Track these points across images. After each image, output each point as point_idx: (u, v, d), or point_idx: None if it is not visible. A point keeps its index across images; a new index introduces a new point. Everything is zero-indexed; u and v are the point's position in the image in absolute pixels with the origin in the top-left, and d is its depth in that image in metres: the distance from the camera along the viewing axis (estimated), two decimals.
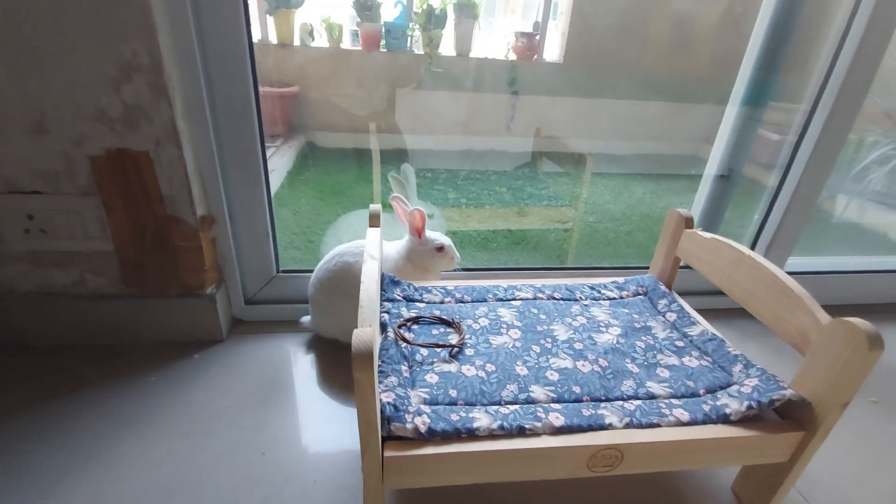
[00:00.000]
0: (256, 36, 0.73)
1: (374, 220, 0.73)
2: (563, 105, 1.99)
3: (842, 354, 0.48)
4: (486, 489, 0.61)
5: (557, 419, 0.50)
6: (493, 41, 1.89)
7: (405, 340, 0.60)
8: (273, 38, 1.69)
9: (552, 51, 1.93)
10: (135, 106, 0.66)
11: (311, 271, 0.84)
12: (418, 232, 0.78)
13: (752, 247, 1.08)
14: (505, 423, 0.49)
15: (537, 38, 1.89)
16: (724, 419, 0.52)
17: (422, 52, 1.74)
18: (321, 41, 1.76)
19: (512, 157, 1.98)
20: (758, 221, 1.07)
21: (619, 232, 1.59)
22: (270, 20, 1.62)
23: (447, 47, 1.75)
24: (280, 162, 1.63)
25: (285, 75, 1.72)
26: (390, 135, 1.82)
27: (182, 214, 0.74)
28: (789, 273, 1.12)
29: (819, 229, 1.53)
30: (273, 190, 0.85)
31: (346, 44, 1.76)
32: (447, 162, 1.92)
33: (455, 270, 0.85)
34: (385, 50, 1.73)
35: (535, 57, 1.91)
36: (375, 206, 0.74)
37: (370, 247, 0.66)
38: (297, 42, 1.71)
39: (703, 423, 0.52)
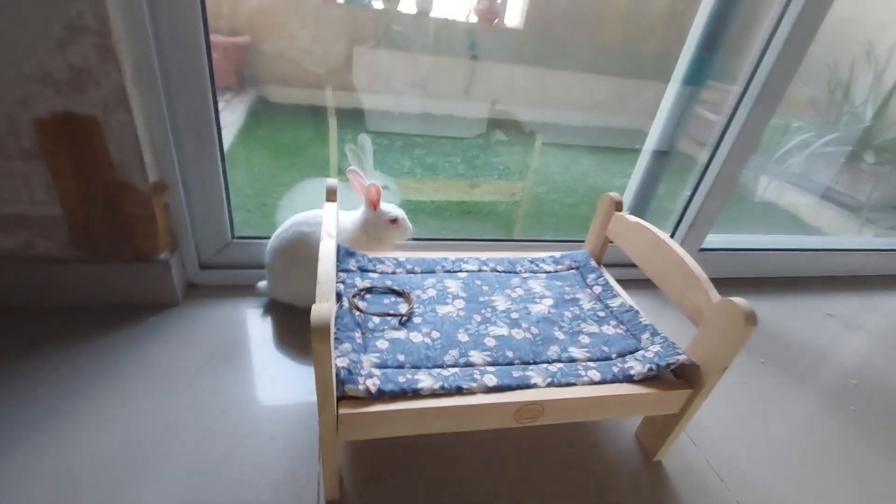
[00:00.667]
0: None
1: (330, 195, 0.76)
2: (521, 73, 2.01)
3: (725, 328, 0.58)
4: (427, 438, 0.69)
5: (491, 380, 0.58)
6: (455, 1, 1.85)
7: (359, 310, 0.65)
8: None
9: (514, 16, 1.92)
10: (81, 68, 0.65)
11: (267, 238, 0.86)
12: (374, 205, 0.82)
13: (679, 221, 1.18)
14: (445, 384, 0.56)
15: (499, 0, 1.87)
16: (629, 379, 0.62)
17: (381, 8, 1.69)
18: None
19: (469, 124, 2.00)
20: (686, 197, 1.15)
21: (564, 204, 1.67)
22: None
23: (408, 4, 1.70)
24: (231, 118, 1.57)
25: (236, 24, 1.63)
26: (347, 93, 1.78)
27: (133, 181, 0.74)
28: (708, 249, 1.24)
29: (741, 208, 1.68)
30: (224, 148, 0.84)
31: None
32: (405, 125, 1.91)
33: (407, 241, 0.90)
34: (342, 1, 1.67)
35: (497, 21, 1.90)
36: (332, 181, 0.77)
37: (327, 224, 0.69)
38: None
39: (612, 382, 0.62)
